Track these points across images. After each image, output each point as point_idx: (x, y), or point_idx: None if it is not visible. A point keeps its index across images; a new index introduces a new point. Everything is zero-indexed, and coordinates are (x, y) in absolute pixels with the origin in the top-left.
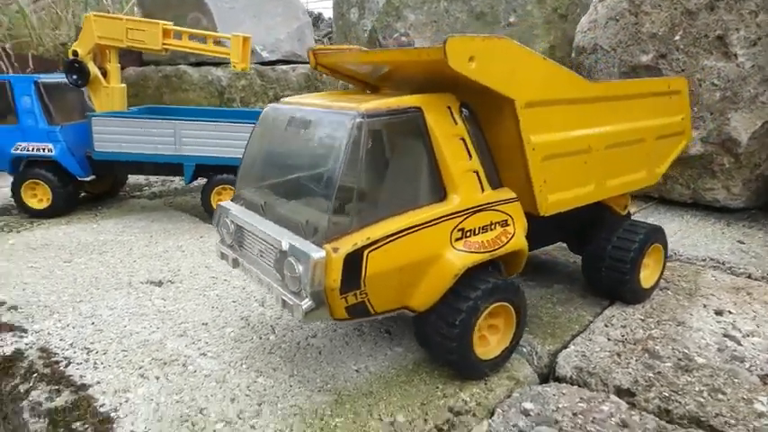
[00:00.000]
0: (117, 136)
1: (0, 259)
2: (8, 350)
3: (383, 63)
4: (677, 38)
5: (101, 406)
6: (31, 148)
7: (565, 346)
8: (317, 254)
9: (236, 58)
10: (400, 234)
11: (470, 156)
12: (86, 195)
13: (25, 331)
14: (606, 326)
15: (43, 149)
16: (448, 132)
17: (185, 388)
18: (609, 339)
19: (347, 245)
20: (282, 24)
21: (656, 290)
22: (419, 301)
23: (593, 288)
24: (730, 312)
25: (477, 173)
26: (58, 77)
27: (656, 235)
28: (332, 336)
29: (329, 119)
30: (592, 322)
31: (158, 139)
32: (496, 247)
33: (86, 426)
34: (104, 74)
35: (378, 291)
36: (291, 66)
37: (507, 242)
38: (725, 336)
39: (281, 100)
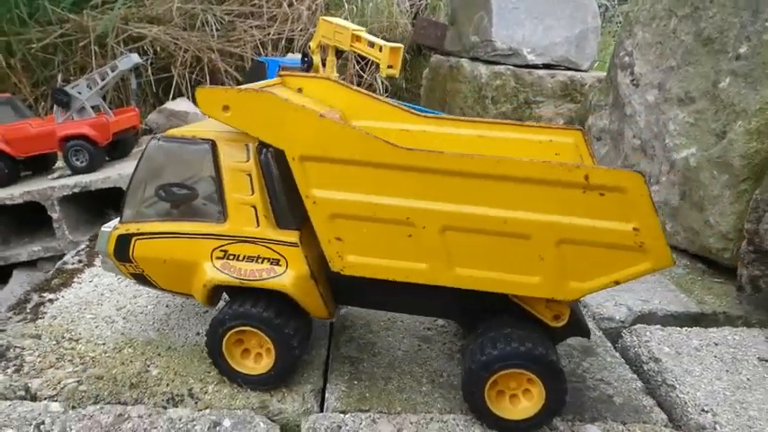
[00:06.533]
0: None
1: None
2: None
3: None
4: None
5: (77, 278)
6: None
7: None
8: (105, 228)
9: (383, 64)
10: (164, 235)
11: (252, 191)
12: None
13: None
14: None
15: None
16: (235, 166)
17: (115, 291)
18: None
19: (122, 229)
20: (564, 27)
21: None
22: (196, 295)
23: None
24: None
25: (255, 208)
26: (296, 63)
27: (523, 361)
28: None
29: None
30: (408, 413)
31: None
32: (251, 278)
33: (56, 277)
34: (325, 65)
35: (153, 271)
36: (551, 71)
37: (266, 278)
38: None
39: None
